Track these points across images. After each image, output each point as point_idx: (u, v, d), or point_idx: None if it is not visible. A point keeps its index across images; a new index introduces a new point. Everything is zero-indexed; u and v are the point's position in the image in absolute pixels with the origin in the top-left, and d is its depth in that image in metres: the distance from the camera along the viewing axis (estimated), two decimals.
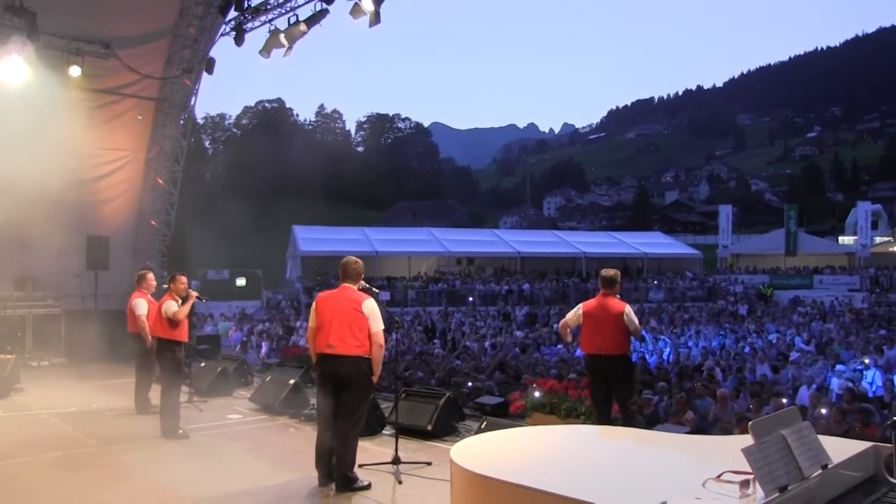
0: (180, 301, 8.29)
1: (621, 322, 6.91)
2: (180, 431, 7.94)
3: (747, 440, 3.39)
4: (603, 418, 7.11)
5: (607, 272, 7.35)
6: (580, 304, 7.39)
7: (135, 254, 16.68)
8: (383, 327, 5.94)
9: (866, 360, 15.18)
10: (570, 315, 7.37)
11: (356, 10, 11.32)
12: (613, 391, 7.06)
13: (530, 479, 2.92)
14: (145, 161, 16.32)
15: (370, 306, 5.91)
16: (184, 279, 8.60)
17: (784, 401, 10.03)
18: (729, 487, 2.75)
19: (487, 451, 3.61)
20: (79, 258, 14.98)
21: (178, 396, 8.31)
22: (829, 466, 3.04)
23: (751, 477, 2.71)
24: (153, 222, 16.68)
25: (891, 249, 43.80)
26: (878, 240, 44.80)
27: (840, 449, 3.29)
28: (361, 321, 5.83)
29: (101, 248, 15.13)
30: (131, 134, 15.83)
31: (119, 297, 14.44)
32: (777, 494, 2.63)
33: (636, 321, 7.01)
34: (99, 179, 15.77)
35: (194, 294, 8.52)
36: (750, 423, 2.93)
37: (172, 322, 8.11)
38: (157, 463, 7.02)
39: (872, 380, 13.59)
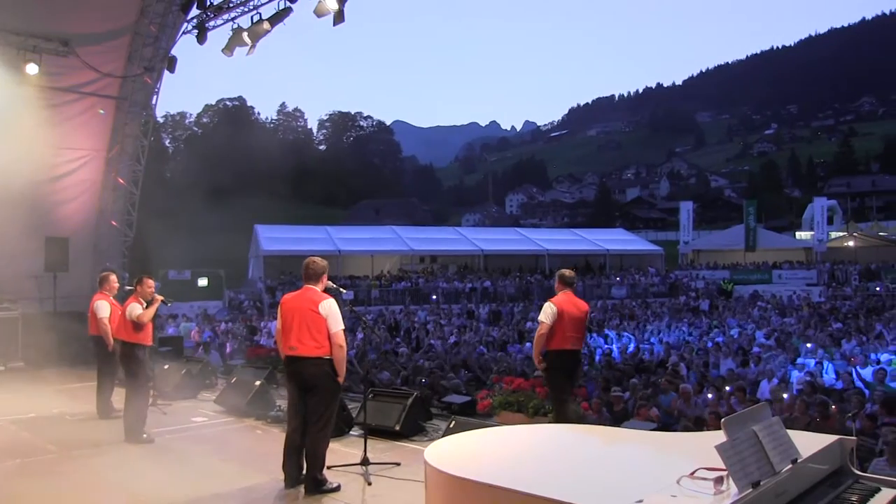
0: (145, 304, 8.15)
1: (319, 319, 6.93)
2: (145, 436, 7.81)
3: (716, 437, 3.45)
4: (569, 415, 7.19)
5: (569, 272, 7.66)
6: (550, 304, 7.35)
7: (95, 255, 16.38)
8: (342, 327, 5.91)
9: (821, 350, 15.59)
10: (546, 318, 7.27)
11: (320, 9, 11.26)
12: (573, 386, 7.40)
13: (508, 480, 2.93)
14: (106, 160, 16.05)
15: (327, 307, 5.88)
16: (151, 282, 8.48)
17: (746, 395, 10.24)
18: (703, 484, 2.77)
19: (462, 451, 3.61)
20: (37, 260, 14.66)
21: (145, 400, 8.19)
22: (799, 461, 3.09)
23: (724, 473, 2.74)
24: (114, 223, 16.40)
25: (846, 244, 44.71)
26: (833, 235, 45.70)
27: (807, 443, 3.34)
28: (319, 322, 5.82)
29: (60, 249, 14.83)
30: (91, 133, 15.54)
31: (79, 300, 14.20)
32: (750, 490, 2.67)
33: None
34: (58, 179, 15.43)
35: (159, 298, 8.37)
36: (723, 419, 2.97)
37: (137, 325, 8.00)
38: (121, 468, 6.91)
39: (830, 371, 13.90)
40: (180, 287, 28.82)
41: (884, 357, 14.80)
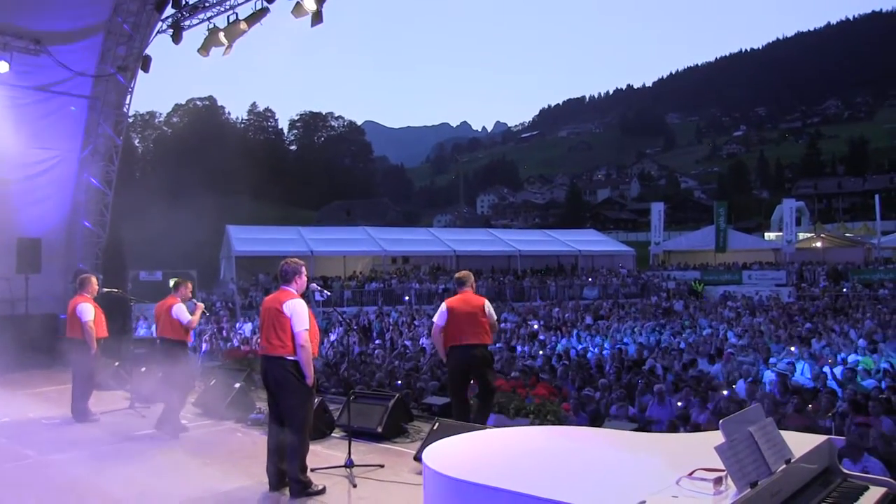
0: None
1: (482, 315, 7.50)
2: (184, 422, 8.33)
3: (709, 438, 3.51)
4: (463, 410, 7.60)
5: (461, 273, 8.05)
6: (443, 304, 7.86)
7: (68, 256, 16.12)
8: (307, 327, 5.87)
9: (792, 349, 15.82)
10: (436, 318, 7.83)
11: (298, 10, 11.23)
12: (479, 382, 7.63)
13: (508, 482, 2.95)
14: (78, 161, 15.80)
15: (292, 306, 5.88)
16: (190, 285, 9.05)
17: (725, 393, 10.38)
18: (702, 485, 2.82)
19: (459, 453, 3.62)
20: (8, 261, 14.40)
21: (186, 393, 8.65)
22: (792, 461, 3.15)
23: (723, 474, 2.80)
24: (87, 223, 16.16)
25: (814, 245, 45.40)
26: (801, 236, 46.38)
27: (798, 443, 3.41)
28: (283, 321, 5.84)
29: (31, 250, 14.59)
30: (63, 133, 15.26)
31: (52, 301, 14.01)
32: (749, 490, 2.72)
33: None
34: (29, 179, 15.13)
35: (201, 306, 9.14)
36: (721, 420, 3.02)
37: (183, 325, 8.56)
38: (101, 473, 6.80)
39: (802, 371, 14.11)
40: (152, 288, 28.45)
41: (851, 357, 15.07)
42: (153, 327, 21.47)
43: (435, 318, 7.81)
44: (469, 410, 7.62)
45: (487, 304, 7.63)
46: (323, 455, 7.03)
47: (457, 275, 8.06)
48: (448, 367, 7.88)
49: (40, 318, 13.93)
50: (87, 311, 8.93)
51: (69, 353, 9.28)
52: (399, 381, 11.98)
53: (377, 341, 21.36)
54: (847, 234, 50.06)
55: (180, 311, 8.74)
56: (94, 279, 9.46)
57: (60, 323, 11.96)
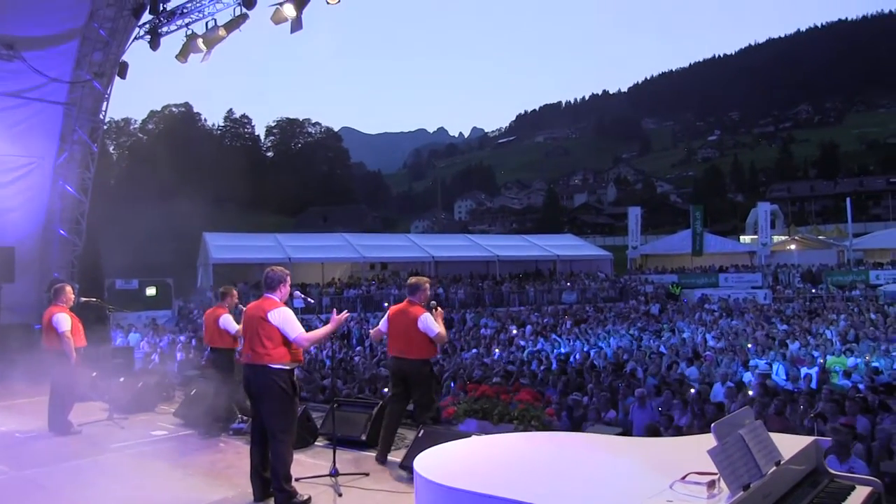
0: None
1: (415, 330, 7.09)
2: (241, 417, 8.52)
3: (698, 441, 3.52)
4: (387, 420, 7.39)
5: (412, 280, 7.62)
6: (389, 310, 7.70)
7: (42, 265, 15.83)
8: (301, 331, 5.89)
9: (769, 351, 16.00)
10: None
11: (277, 16, 11.18)
12: (412, 394, 7.33)
13: (503, 489, 2.94)
14: (53, 168, 15.56)
15: (278, 315, 5.83)
16: (235, 293, 9.12)
17: (710, 397, 10.45)
18: (695, 488, 2.83)
19: (452, 461, 3.60)
20: None
21: (236, 396, 8.58)
22: (782, 463, 3.18)
23: (716, 477, 2.81)
24: (62, 231, 15.93)
25: (788, 247, 45.97)
26: (776, 238, 46.92)
27: (786, 445, 3.44)
28: (269, 330, 5.79)
29: (5, 259, 14.32)
30: (37, 140, 14.94)
31: (25, 311, 13.78)
32: (742, 493, 2.74)
33: (435, 327, 7.07)
34: (1, 187, 14.83)
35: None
36: (713, 424, 3.04)
37: (234, 336, 8.55)
38: (80, 487, 6.68)
39: (778, 372, 14.27)
40: (128, 297, 28.24)
41: (830, 359, 15.27)
42: (129, 337, 21.42)
43: (380, 324, 7.62)
44: (396, 418, 7.42)
45: (424, 318, 7.10)
46: (307, 464, 6.96)
47: (409, 280, 7.71)
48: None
49: (13, 328, 13.65)
50: (64, 320, 8.74)
51: (47, 365, 9.07)
52: (385, 390, 11.92)
53: (357, 348, 21.31)
54: (820, 237, 50.78)
55: (227, 321, 8.72)
56: (69, 288, 9.28)
57: (35, 333, 11.75)
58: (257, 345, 5.79)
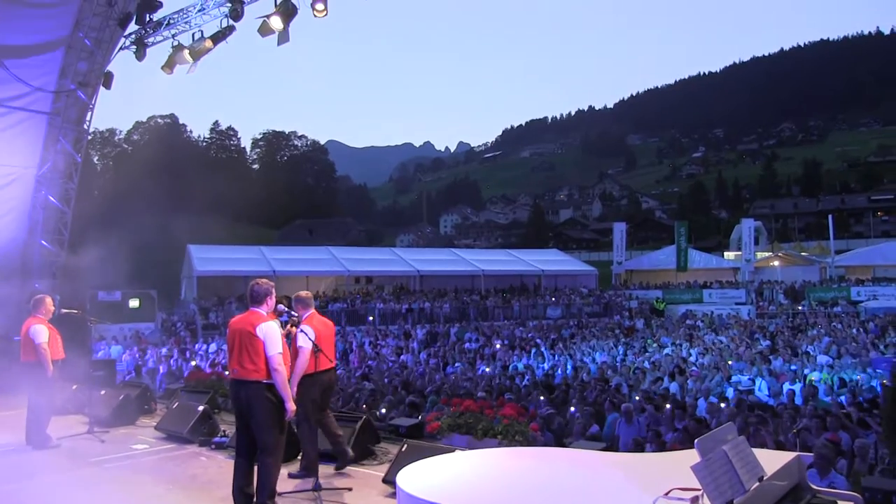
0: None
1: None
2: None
3: (681, 457, 3.51)
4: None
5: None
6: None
7: (24, 276, 15.67)
8: (280, 350, 5.76)
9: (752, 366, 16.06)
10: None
11: (264, 28, 11.18)
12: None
13: None
14: (36, 178, 15.42)
15: (265, 329, 5.75)
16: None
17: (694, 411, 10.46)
18: None
19: (436, 477, 3.58)
20: None
21: None
22: (765, 478, 3.17)
23: (699, 493, 2.80)
24: (44, 242, 15.77)
25: (772, 264, 46.27)
26: (759, 255, 47.21)
27: (769, 460, 3.44)
28: (257, 345, 5.71)
29: None
30: (20, 149, 14.78)
31: (6, 323, 13.58)
32: None
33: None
34: None
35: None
36: (696, 440, 3.03)
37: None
38: (59, 502, 6.60)
39: (761, 388, 14.33)
40: (111, 308, 27.98)
41: (807, 374, 15.36)
42: (111, 349, 21.25)
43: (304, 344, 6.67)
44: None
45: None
46: (290, 479, 6.90)
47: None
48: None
49: None
50: (41, 332, 8.63)
51: (24, 378, 8.93)
52: (365, 405, 11.89)
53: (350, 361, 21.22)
54: (803, 253, 51.13)
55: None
56: (48, 300, 9.14)
57: (15, 345, 11.60)
58: (246, 360, 5.70)
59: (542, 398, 12.48)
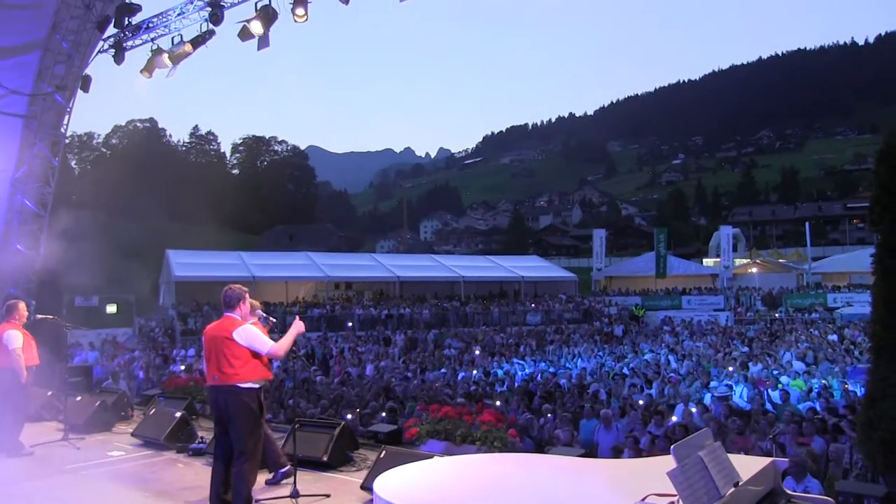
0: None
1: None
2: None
3: (657, 462, 3.53)
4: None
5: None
6: None
7: None
8: (271, 343, 5.87)
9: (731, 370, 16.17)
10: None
11: (244, 33, 11.15)
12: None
13: None
14: (11, 182, 15.23)
15: (243, 333, 5.78)
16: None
17: (674, 419, 10.51)
18: None
19: (413, 484, 3.57)
20: None
21: None
22: (740, 484, 3.19)
23: (675, 499, 2.81)
24: (19, 246, 15.57)
25: (750, 270, 46.68)
26: (738, 262, 47.61)
27: (744, 465, 3.47)
28: (235, 349, 5.72)
29: None
30: None
31: None
32: None
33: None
34: None
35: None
36: (672, 445, 3.04)
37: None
38: None
39: (741, 395, 14.42)
40: (88, 314, 27.70)
41: (783, 379, 15.47)
42: (87, 355, 21.02)
43: None
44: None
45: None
46: (267, 486, 6.85)
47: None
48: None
49: None
50: (15, 338, 8.50)
51: None
52: (347, 415, 11.83)
53: (331, 367, 21.13)
54: (781, 260, 51.63)
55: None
56: (21, 305, 9.01)
57: None
58: (224, 365, 5.70)
59: (521, 404, 12.50)
